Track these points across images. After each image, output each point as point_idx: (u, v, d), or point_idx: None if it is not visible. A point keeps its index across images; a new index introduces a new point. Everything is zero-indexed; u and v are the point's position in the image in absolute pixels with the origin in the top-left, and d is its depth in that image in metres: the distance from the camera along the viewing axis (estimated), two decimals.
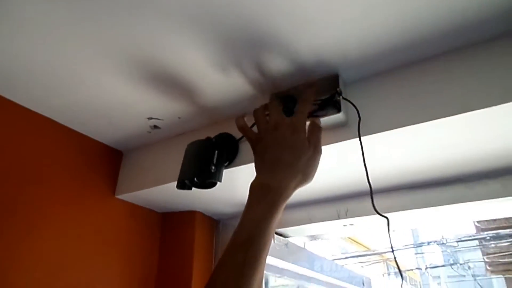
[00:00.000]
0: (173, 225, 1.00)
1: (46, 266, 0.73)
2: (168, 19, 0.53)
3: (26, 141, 0.75)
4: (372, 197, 0.58)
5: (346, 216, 0.86)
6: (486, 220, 11.10)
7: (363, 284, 1.53)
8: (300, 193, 0.89)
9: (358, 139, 0.60)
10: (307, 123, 0.62)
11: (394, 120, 0.60)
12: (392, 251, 0.54)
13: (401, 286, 0.54)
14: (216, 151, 0.68)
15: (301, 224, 0.93)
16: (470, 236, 7.84)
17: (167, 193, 0.87)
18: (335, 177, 0.79)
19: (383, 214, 0.56)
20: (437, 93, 0.58)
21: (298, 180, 0.56)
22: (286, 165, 0.56)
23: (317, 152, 0.59)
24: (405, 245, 8.29)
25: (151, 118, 0.80)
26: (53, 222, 0.77)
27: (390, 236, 0.57)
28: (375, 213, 0.81)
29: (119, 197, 0.90)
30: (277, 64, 0.63)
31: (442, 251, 11.04)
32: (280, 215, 0.55)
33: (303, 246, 1.17)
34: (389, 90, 0.64)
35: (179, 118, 0.79)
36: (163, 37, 0.56)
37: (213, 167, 0.66)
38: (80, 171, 0.85)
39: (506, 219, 11.25)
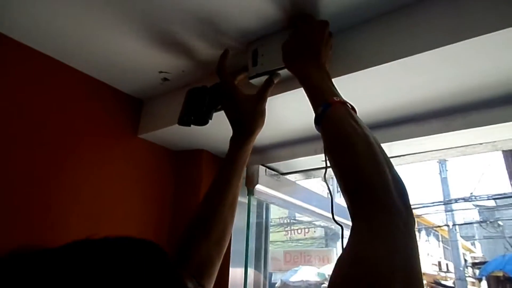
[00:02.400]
0: (185, 161, 1.22)
1: (83, 194, 0.96)
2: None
3: (60, 89, 0.96)
4: None
5: (322, 152, 1.04)
6: None
7: None
8: (283, 135, 1.08)
9: None
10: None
11: (348, 67, 0.76)
12: (326, 166, 0.72)
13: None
14: (208, 96, 0.87)
15: (287, 159, 1.12)
16: (502, 194, 7.76)
17: (179, 133, 1.09)
18: (309, 120, 0.96)
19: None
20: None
21: (250, 129, 0.83)
22: (240, 120, 0.84)
23: (261, 101, 0.83)
24: (434, 202, 8.36)
25: (161, 72, 0.99)
26: (87, 159, 0.99)
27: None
28: None
29: (141, 136, 1.13)
30: (251, 27, 0.80)
31: (478, 211, 10.98)
32: (245, 154, 0.84)
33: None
34: (354, 39, 0.78)
35: (183, 71, 0.99)
36: (166, 11, 0.75)
37: (204, 108, 0.86)
38: (107, 116, 1.07)
39: None
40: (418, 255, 0.44)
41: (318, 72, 0.69)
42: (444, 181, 9.52)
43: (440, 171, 9.75)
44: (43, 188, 0.88)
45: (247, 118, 0.83)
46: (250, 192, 1.14)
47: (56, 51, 0.93)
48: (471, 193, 7.98)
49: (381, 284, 0.38)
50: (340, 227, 0.66)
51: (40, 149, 0.90)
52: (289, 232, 12.42)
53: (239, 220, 1.17)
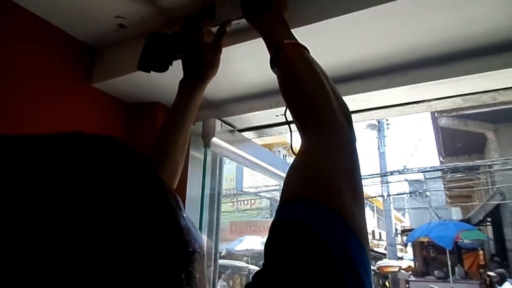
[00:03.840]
0: (140, 114, 1.22)
1: None
2: None
3: (4, 29, 0.90)
4: None
5: (277, 106, 1.09)
6: (450, 156, 11.75)
7: None
8: (240, 89, 1.11)
9: None
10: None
11: (296, 21, 0.80)
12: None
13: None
14: (169, 43, 0.88)
15: (244, 113, 1.16)
16: (431, 167, 8.55)
17: (135, 83, 1.08)
18: (266, 74, 1.00)
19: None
20: None
21: (205, 74, 0.87)
22: (200, 72, 0.87)
23: (217, 51, 0.86)
24: (371, 174, 9.01)
25: (118, 17, 0.97)
26: (37, 106, 0.96)
27: None
28: None
29: (95, 85, 1.10)
30: None
31: (408, 183, 11.98)
32: (198, 98, 0.87)
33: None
34: None
35: (141, 17, 0.97)
36: None
37: (164, 54, 0.86)
38: (56, 61, 1.02)
39: (469, 156, 11.92)
40: (358, 161, 0.52)
41: (273, 20, 0.75)
42: (381, 155, 10.20)
43: (379, 146, 10.43)
44: None
45: (203, 65, 0.86)
46: (206, 145, 1.18)
47: None
48: (404, 166, 8.69)
49: (329, 184, 0.46)
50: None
51: None
52: (236, 203, 12.67)
53: (193, 187, 1.20)
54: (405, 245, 12.90)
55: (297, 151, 0.80)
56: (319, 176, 0.47)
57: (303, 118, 0.59)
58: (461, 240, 9.11)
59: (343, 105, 0.59)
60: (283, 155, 12.32)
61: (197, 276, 0.32)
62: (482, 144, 9.72)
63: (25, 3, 0.92)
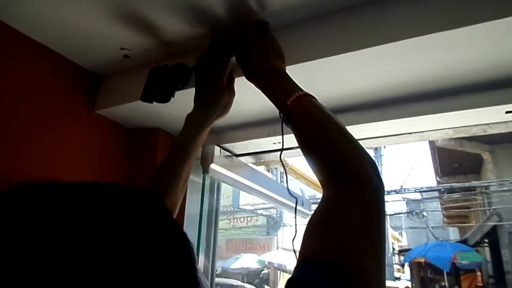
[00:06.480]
0: (140, 139, 1.25)
1: (39, 167, 0.96)
2: None
3: (15, 59, 0.95)
4: None
5: (274, 135, 1.13)
6: (447, 176, 11.75)
7: (303, 204, 1.84)
8: (238, 117, 1.14)
9: None
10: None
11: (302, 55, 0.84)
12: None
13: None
14: (171, 75, 0.91)
15: (242, 141, 1.19)
16: (428, 188, 8.58)
17: (137, 110, 1.11)
18: (264, 104, 1.04)
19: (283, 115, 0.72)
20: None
21: (217, 114, 0.89)
22: (209, 103, 0.88)
23: (232, 94, 0.90)
24: None
25: (123, 48, 1.01)
26: (43, 132, 0.99)
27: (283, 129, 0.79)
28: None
29: (98, 112, 1.13)
30: (216, 14, 0.85)
31: (406, 203, 11.97)
32: (205, 135, 0.89)
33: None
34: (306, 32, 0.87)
35: (146, 49, 1.01)
36: None
37: (167, 86, 0.90)
38: (63, 89, 1.06)
39: (465, 176, 11.89)
40: (384, 212, 0.53)
41: (265, 77, 0.77)
42: None
43: None
44: None
45: (219, 105, 0.88)
46: (205, 170, 1.20)
47: (13, 19, 0.90)
48: (401, 186, 8.71)
49: (347, 245, 0.47)
50: (295, 199, 0.74)
51: None
52: (232, 220, 12.59)
53: (191, 206, 1.22)
54: (402, 265, 12.81)
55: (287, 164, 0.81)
56: (337, 235, 0.47)
57: (328, 171, 0.58)
58: (458, 262, 9.05)
59: (368, 156, 0.58)
60: (280, 172, 12.32)
61: None
62: (478, 165, 9.76)
63: (32, 33, 0.96)
